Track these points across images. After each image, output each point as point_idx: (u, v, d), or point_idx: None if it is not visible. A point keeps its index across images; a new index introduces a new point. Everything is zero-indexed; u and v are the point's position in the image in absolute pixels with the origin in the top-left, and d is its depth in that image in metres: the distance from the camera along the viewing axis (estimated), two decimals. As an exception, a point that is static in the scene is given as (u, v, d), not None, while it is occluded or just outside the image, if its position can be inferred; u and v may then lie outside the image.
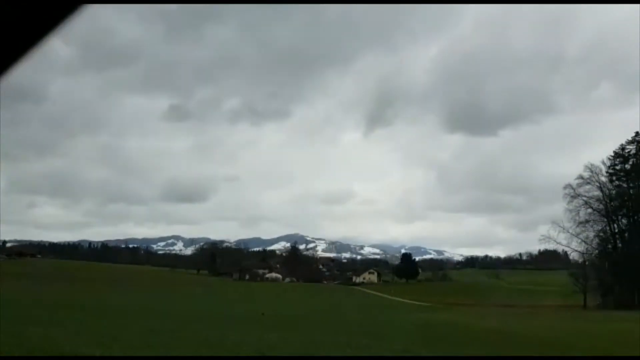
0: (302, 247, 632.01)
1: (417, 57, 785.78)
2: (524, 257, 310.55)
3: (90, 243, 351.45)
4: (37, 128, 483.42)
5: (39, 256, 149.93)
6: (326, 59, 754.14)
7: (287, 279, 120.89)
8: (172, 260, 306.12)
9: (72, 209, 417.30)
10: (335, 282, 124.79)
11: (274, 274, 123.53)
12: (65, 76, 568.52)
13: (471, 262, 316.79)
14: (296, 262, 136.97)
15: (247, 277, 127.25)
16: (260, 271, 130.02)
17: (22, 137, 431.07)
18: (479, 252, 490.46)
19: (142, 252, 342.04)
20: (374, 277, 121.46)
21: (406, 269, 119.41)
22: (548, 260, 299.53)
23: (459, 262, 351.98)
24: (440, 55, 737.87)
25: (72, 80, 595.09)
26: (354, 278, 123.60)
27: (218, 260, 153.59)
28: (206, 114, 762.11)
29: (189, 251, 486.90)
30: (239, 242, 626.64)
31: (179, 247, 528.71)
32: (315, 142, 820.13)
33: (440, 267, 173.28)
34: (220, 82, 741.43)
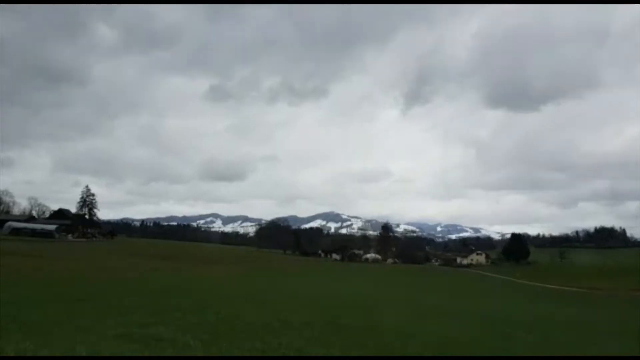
0: (337, 224, 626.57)
1: (458, 32, 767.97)
2: (580, 235, 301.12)
3: (132, 221, 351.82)
4: (81, 109, 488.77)
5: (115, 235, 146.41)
6: (364, 37, 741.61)
7: (390, 260, 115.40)
8: (238, 239, 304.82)
9: (115, 187, 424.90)
10: (437, 263, 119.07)
11: (373, 255, 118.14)
12: (109, 59, 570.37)
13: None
14: (389, 242, 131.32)
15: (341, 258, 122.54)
16: (356, 251, 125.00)
17: (67, 118, 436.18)
18: (516, 229, 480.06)
19: (202, 230, 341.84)
20: (481, 259, 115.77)
21: (516, 250, 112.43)
22: (605, 238, 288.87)
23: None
24: (482, 31, 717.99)
25: (115, 62, 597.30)
26: (458, 259, 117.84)
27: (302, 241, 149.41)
28: (245, 94, 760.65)
29: (228, 229, 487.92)
30: (275, 220, 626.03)
31: (217, 225, 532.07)
32: (352, 120, 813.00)
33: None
34: (259, 62, 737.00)
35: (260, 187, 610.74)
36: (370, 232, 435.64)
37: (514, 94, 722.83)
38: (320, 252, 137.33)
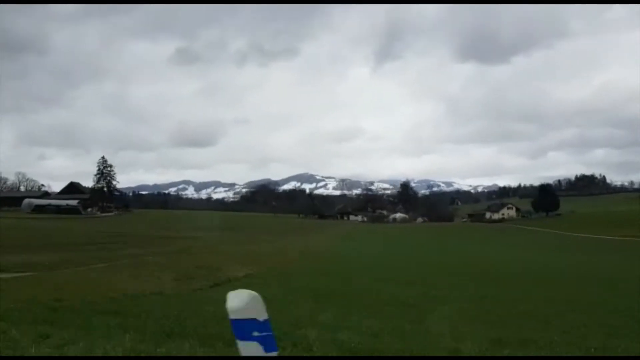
0: (312, 185, 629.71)
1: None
2: (563, 183, 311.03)
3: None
4: (42, 79, 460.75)
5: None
6: None
7: (419, 220, 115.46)
8: (223, 205, 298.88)
9: (82, 158, 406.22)
10: (463, 220, 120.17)
11: (400, 214, 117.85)
12: (68, 26, 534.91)
13: (506, 192, 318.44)
14: (409, 200, 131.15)
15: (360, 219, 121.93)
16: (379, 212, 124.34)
17: (28, 89, 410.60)
18: (487, 181, 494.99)
19: (186, 198, 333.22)
20: (512, 212, 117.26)
21: (546, 202, 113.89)
22: (586, 186, 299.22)
23: (493, 192, 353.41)
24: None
25: (75, 29, 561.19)
26: (487, 214, 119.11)
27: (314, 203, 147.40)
28: (213, 57, 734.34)
29: (202, 195, 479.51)
30: (249, 184, 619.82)
31: (190, 192, 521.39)
32: (323, 80, 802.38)
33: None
34: (225, 22, 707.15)
35: (232, 151, 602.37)
36: (346, 192, 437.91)
37: (484, 46, 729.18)
38: (337, 214, 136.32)
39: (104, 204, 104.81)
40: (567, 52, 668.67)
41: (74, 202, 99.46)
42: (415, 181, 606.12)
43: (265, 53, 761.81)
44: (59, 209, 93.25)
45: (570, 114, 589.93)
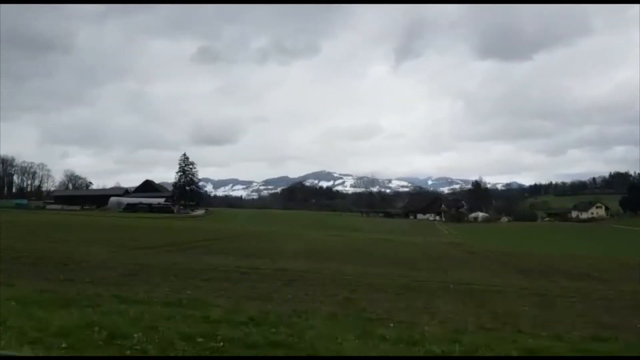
0: (329, 183, 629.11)
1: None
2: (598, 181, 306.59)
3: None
4: (66, 78, 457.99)
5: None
6: None
7: (505, 219, 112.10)
8: (257, 202, 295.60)
9: (103, 156, 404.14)
10: (547, 219, 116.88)
11: (482, 213, 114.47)
12: (91, 24, 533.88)
13: (537, 190, 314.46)
14: (481, 198, 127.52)
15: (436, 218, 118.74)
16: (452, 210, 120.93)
17: (52, 88, 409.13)
18: (506, 179, 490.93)
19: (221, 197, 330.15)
20: (602, 212, 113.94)
21: (637, 200, 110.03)
22: (619, 184, 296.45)
23: (524, 190, 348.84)
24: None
25: (98, 28, 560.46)
26: (574, 213, 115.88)
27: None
28: (234, 55, 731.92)
29: (219, 192, 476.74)
30: (266, 181, 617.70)
31: (208, 189, 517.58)
32: (342, 78, 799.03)
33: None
34: (247, 21, 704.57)
35: (250, 149, 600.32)
36: (363, 189, 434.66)
37: (504, 43, 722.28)
38: (402, 212, 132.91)
39: (187, 202, 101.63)
40: (588, 49, 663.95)
41: (159, 201, 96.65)
42: (434, 178, 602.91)
43: (286, 51, 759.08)
44: (151, 208, 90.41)
45: (590, 111, 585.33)
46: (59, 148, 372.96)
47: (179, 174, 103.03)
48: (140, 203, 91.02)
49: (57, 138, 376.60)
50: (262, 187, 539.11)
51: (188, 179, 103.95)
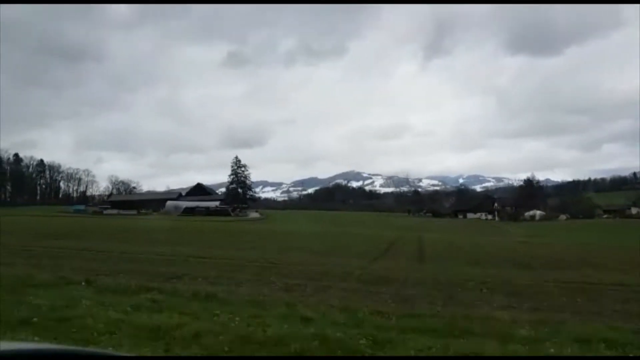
0: (358, 183, 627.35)
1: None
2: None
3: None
4: (100, 86, 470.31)
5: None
6: None
7: (563, 217, 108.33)
8: (293, 203, 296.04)
9: (137, 161, 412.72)
10: (604, 216, 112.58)
11: (538, 211, 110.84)
12: (124, 32, 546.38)
13: (575, 186, 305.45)
14: (534, 196, 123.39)
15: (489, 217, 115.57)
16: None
17: (86, 95, 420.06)
18: (540, 176, 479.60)
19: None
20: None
21: None
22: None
23: (557, 186, 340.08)
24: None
25: (130, 36, 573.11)
26: (632, 210, 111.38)
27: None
28: (262, 58, 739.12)
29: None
30: (296, 182, 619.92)
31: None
32: (369, 78, 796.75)
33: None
34: (274, 24, 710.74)
35: (279, 151, 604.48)
36: (393, 189, 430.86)
37: (536, 38, 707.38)
38: (451, 212, 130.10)
39: (240, 205, 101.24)
40: (621, 41, 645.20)
41: (215, 204, 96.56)
42: (465, 177, 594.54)
43: (314, 53, 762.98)
44: (208, 211, 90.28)
45: (624, 104, 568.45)
46: (94, 153, 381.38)
47: (231, 176, 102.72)
48: (198, 207, 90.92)
49: (91, 144, 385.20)
50: (291, 189, 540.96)
51: (240, 181, 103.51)
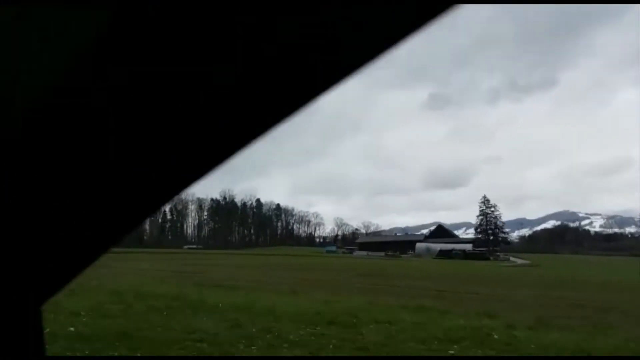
0: (574, 224, 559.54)
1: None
2: None
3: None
4: (312, 136, 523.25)
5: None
6: (592, 17, 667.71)
7: None
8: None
9: (342, 204, 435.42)
10: None
11: None
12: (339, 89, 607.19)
13: None
14: None
15: None
16: None
17: (300, 145, 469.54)
18: None
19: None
20: None
21: None
22: None
23: None
24: None
25: (342, 89, 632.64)
26: None
27: None
28: (465, 98, 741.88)
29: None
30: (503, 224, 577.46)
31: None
32: (583, 109, 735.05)
33: None
34: (476, 63, 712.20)
35: (483, 191, 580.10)
36: (617, 230, 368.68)
37: None
38: None
39: (492, 248, 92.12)
40: None
41: (466, 247, 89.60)
42: None
43: (520, 88, 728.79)
44: (465, 254, 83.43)
45: None
46: (305, 197, 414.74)
47: (480, 217, 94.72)
48: (455, 250, 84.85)
49: (303, 189, 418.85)
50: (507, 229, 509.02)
51: (491, 222, 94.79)
